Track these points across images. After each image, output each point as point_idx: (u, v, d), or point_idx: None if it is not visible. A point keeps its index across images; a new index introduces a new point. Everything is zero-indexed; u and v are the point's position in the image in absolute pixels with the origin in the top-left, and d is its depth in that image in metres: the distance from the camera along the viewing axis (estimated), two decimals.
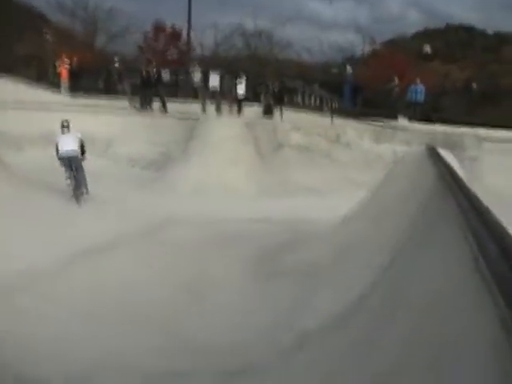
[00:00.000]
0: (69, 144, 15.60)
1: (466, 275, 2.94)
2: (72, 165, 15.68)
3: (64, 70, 31.76)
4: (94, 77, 37.87)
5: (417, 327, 3.56)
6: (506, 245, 2.79)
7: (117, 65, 35.70)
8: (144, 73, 30.88)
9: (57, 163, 15.67)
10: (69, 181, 15.72)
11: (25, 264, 9.48)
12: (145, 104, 29.09)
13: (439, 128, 26.11)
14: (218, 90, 30.64)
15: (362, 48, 67.00)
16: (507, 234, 3.01)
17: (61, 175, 15.89)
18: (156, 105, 29.73)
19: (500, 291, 2.37)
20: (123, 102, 29.93)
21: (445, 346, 2.84)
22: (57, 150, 15.64)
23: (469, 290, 2.81)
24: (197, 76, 32.43)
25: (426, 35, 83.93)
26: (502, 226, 3.19)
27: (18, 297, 8.21)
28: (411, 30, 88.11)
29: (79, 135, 15.86)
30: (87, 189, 15.96)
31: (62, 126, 15.81)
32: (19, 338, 6.87)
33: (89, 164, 21.52)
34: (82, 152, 15.93)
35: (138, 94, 30.34)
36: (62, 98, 28.61)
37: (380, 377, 3.72)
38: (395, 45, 69.27)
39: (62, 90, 31.18)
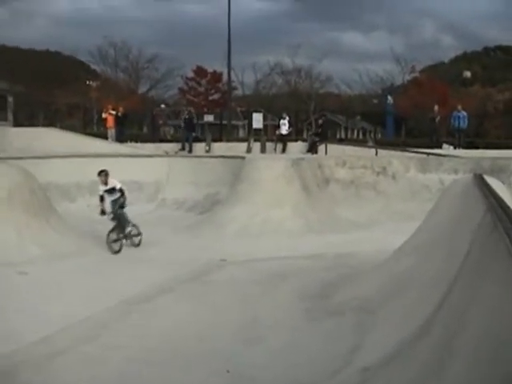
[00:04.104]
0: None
1: None
2: None
3: (110, 118, 32.26)
4: (139, 123, 38.55)
5: (476, 361, 3.57)
6: None
7: (163, 106, 36.31)
8: (185, 115, 31.48)
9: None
10: None
11: (84, 314, 9.69)
12: (187, 146, 29.55)
13: (485, 153, 25.91)
14: (262, 129, 31.05)
15: (401, 77, 67.14)
16: None
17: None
18: (201, 146, 30.15)
19: None
20: (168, 146, 30.39)
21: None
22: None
23: None
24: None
25: (464, 59, 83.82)
26: None
27: (83, 346, 8.40)
28: (449, 55, 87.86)
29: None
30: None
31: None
32: None
33: (137, 209, 22.02)
34: None
35: (181, 137, 30.96)
36: (108, 145, 29.06)
37: None
38: (434, 71, 69.17)
39: (109, 137, 31.71)
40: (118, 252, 15.55)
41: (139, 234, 16.61)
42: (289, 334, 8.57)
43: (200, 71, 69.79)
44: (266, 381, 7.02)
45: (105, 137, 31.90)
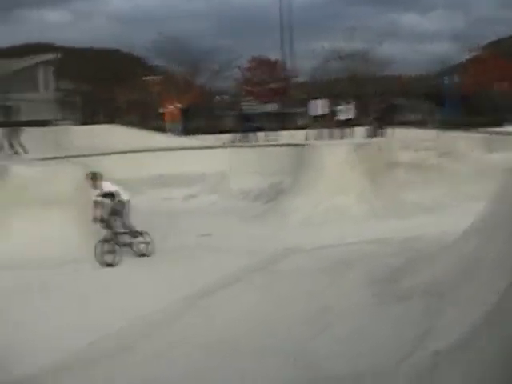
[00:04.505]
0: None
1: None
2: None
3: (170, 112, 32.54)
4: (199, 115, 38.75)
5: None
6: None
7: (221, 97, 36.61)
8: (241, 106, 31.73)
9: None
10: None
11: (161, 304, 9.92)
12: (244, 136, 29.69)
13: None
14: (321, 116, 30.92)
15: (462, 55, 65.81)
16: None
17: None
18: (262, 135, 30.24)
19: None
20: (227, 137, 30.57)
21: None
22: None
23: None
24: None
25: None
26: None
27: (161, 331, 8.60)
28: (510, 29, 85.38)
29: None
30: None
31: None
32: None
33: (201, 201, 22.20)
34: None
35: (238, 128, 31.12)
36: (170, 139, 29.33)
37: None
38: (496, 47, 67.39)
39: (170, 131, 31.99)
40: (111, 265, 13.73)
41: (149, 242, 14.87)
42: (357, 320, 8.57)
43: (257, 61, 69.69)
44: (335, 368, 7.04)
45: (165, 131, 32.18)
